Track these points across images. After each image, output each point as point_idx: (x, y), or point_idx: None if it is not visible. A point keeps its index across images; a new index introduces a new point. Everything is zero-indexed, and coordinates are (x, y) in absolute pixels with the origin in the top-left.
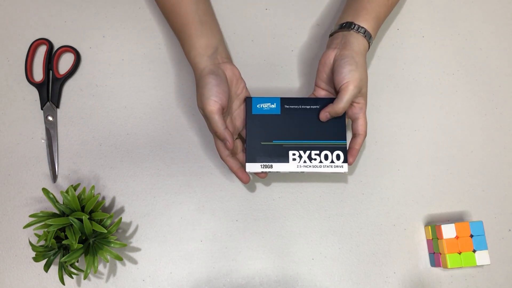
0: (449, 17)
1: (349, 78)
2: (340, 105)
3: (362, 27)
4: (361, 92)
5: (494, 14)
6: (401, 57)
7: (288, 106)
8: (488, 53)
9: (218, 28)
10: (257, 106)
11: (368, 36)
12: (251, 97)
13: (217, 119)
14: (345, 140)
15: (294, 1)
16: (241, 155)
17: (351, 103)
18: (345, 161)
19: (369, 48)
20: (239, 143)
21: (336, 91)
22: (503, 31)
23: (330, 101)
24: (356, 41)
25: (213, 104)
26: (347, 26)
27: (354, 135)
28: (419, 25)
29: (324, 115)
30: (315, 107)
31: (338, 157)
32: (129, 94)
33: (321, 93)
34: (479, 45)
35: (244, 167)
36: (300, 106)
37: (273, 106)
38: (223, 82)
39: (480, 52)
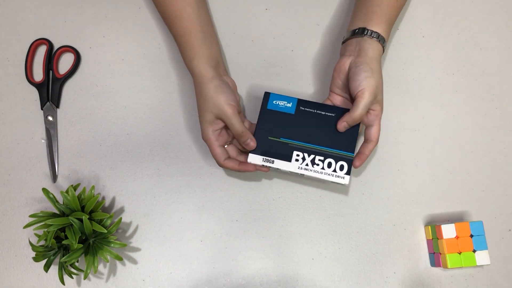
0: (449, 17)
1: (364, 85)
2: (357, 113)
3: (375, 32)
4: (377, 99)
5: (494, 14)
6: (401, 57)
7: (303, 108)
8: (488, 53)
9: (217, 40)
10: (273, 102)
11: (382, 40)
12: (270, 92)
13: (238, 120)
14: (353, 153)
15: (294, 1)
16: (241, 157)
17: (367, 110)
18: (348, 173)
19: (383, 51)
20: (234, 148)
21: (352, 98)
22: (503, 31)
23: (347, 111)
24: (371, 47)
25: (233, 107)
26: (360, 32)
27: (366, 141)
28: (419, 25)
29: (342, 125)
30: (330, 114)
31: (341, 167)
32: (129, 94)
33: (337, 99)
34: (479, 45)
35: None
36: (315, 111)
37: (289, 105)
38: (233, 91)
39: (480, 52)
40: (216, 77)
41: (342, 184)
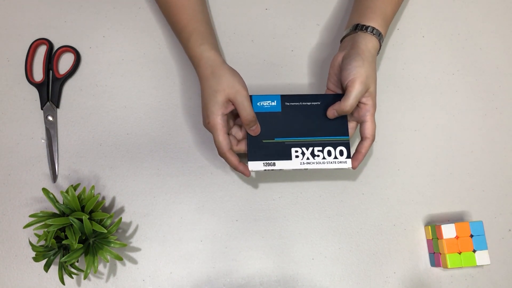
0: (449, 17)
1: (354, 75)
2: (347, 103)
3: (369, 26)
4: (369, 91)
5: (494, 14)
6: (401, 57)
7: (288, 103)
8: (488, 53)
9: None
10: (258, 104)
11: (377, 34)
12: (251, 95)
13: (250, 104)
14: (348, 135)
15: (294, 1)
16: (242, 145)
17: (358, 104)
18: (348, 156)
19: (380, 46)
20: (234, 137)
21: (343, 89)
22: (503, 31)
23: (331, 97)
24: (364, 40)
25: (247, 90)
26: (354, 28)
27: (362, 139)
28: (419, 25)
29: (331, 112)
30: (316, 103)
31: (341, 152)
32: (129, 94)
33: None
34: (479, 45)
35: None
36: (300, 103)
37: (274, 103)
38: None
39: (480, 52)
40: (226, 63)
41: (346, 168)
